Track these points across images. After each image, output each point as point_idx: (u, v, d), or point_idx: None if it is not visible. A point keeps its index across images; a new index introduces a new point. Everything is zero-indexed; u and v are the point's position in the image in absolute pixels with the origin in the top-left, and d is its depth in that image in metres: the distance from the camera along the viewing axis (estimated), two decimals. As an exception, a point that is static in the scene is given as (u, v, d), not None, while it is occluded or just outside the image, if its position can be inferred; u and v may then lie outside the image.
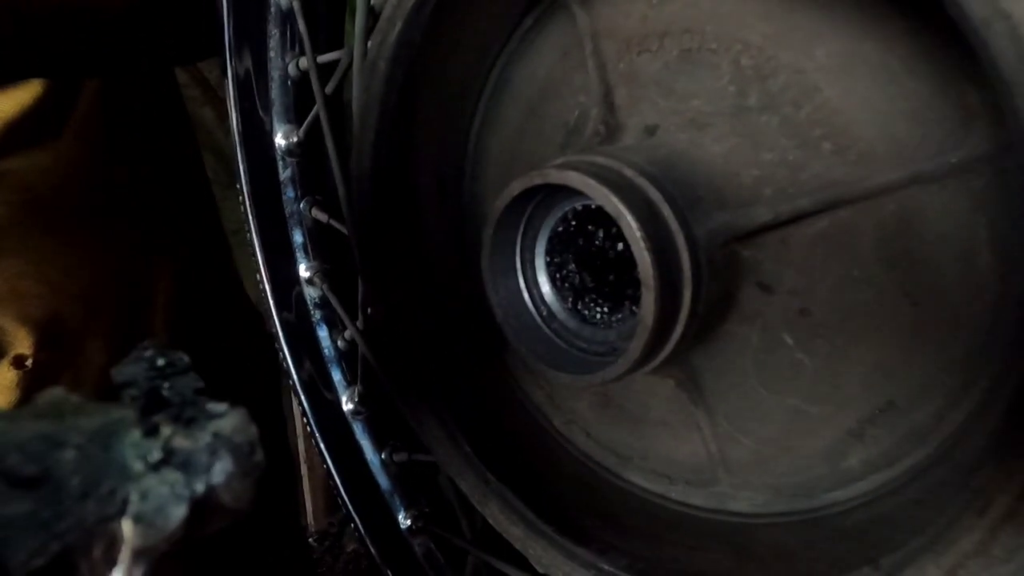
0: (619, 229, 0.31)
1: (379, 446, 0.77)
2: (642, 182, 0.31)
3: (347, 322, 0.69)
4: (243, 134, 0.72)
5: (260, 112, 0.73)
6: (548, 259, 0.39)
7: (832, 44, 0.30)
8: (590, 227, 0.39)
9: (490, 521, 0.45)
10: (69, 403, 0.17)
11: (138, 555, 0.16)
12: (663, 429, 0.44)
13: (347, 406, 0.78)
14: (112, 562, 0.16)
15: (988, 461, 0.25)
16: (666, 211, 0.30)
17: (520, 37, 0.44)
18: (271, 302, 0.77)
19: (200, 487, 0.17)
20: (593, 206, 0.36)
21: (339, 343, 0.76)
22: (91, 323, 0.73)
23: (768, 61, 0.32)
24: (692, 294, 0.31)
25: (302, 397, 0.78)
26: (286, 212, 0.77)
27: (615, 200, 0.29)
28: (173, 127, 0.89)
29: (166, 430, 0.18)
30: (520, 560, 0.49)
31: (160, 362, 0.20)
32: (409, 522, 0.77)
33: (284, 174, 0.76)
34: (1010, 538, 0.23)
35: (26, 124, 0.72)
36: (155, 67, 0.83)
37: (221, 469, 0.17)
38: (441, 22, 0.39)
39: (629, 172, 0.31)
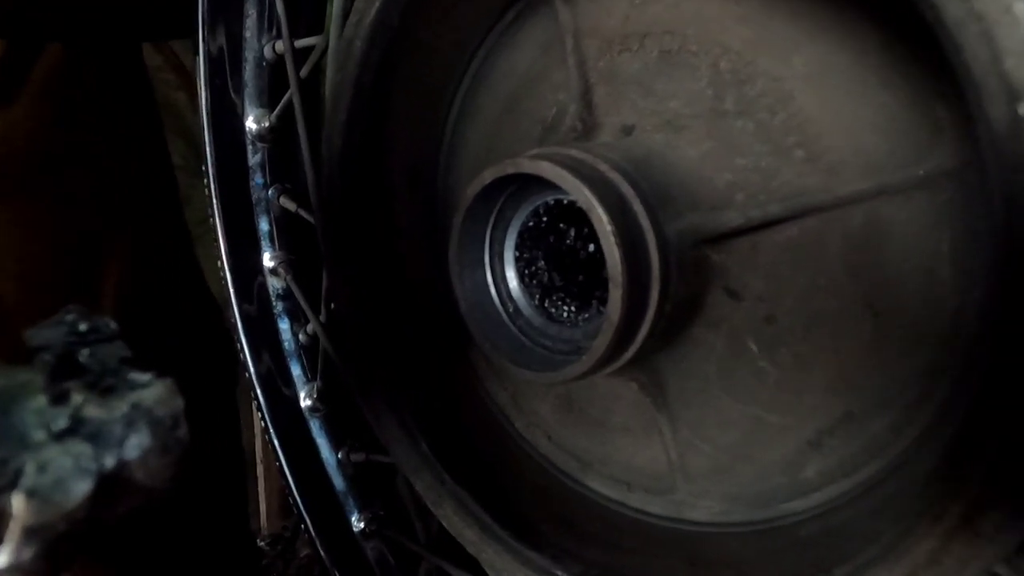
0: (591, 228, 0.30)
1: (336, 445, 0.75)
2: (615, 177, 0.30)
3: (310, 315, 0.67)
4: (212, 114, 0.70)
5: (232, 93, 0.71)
6: (517, 254, 0.38)
7: (809, 53, 0.31)
8: (561, 224, 0.38)
9: (444, 523, 0.43)
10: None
11: (30, 533, 0.14)
12: (624, 434, 0.44)
13: (305, 402, 0.75)
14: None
15: (943, 471, 0.25)
16: (638, 207, 0.30)
17: (501, 30, 0.43)
18: (231, 291, 0.74)
19: (110, 461, 0.15)
20: (565, 201, 0.35)
21: (300, 337, 0.74)
22: (29, 303, 0.69)
23: (746, 66, 0.32)
24: (660, 293, 0.31)
25: (258, 391, 0.75)
26: (253, 199, 0.75)
27: (587, 193, 0.29)
28: (137, 107, 0.86)
29: (77, 398, 0.16)
30: (474, 567, 0.48)
31: (82, 327, 0.18)
32: (362, 524, 0.75)
33: (253, 159, 0.73)
34: (963, 548, 0.23)
35: None
36: (121, 39, 0.80)
37: (137, 443, 0.15)
38: (421, 7, 0.38)
39: (603, 166, 0.30)
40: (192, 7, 0.65)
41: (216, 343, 0.85)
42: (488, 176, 0.33)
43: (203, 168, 0.72)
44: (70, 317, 0.19)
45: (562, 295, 0.39)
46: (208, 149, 0.71)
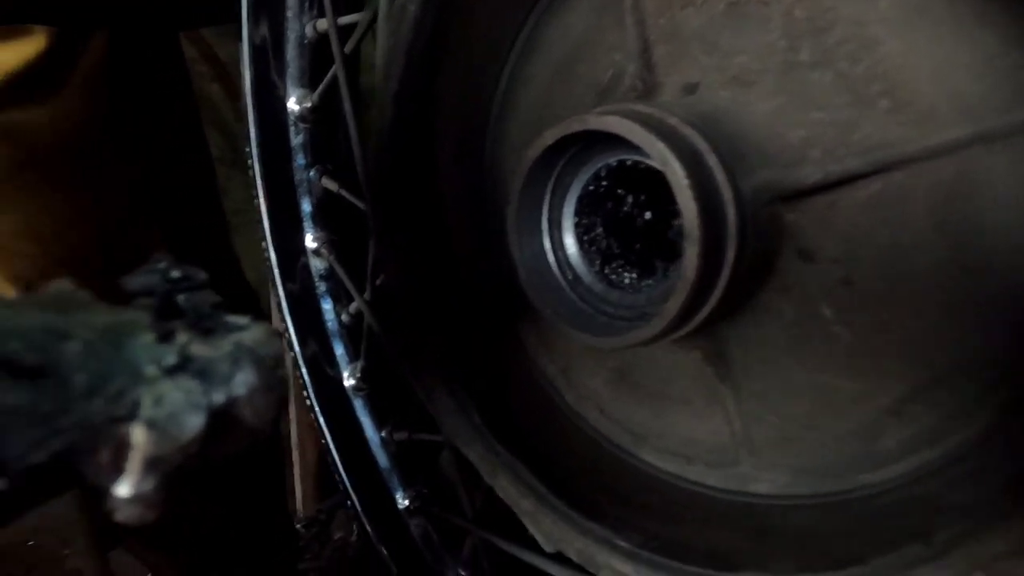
0: (653, 193, 0.29)
1: (380, 424, 0.75)
2: (688, 131, 0.29)
3: (354, 293, 0.67)
4: (255, 97, 0.70)
5: (274, 76, 0.71)
6: (576, 220, 0.37)
7: (896, -6, 0.29)
8: (620, 190, 0.37)
9: (500, 494, 0.43)
10: (76, 298, 0.15)
11: (149, 464, 0.14)
12: (683, 407, 0.43)
13: (349, 382, 0.76)
14: (120, 469, 0.14)
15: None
16: (713, 161, 0.29)
17: (554, -6, 0.42)
18: (276, 271, 0.75)
19: (219, 397, 0.15)
20: (629, 162, 0.34)
21: (343, 317, 0.74)
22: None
23: (825, 13, 0.31)
24: (736, 251, 0.29)
25: (303, 371, 0.76)
26: (295, 180, 0.75)
27: (661, 147, 0.28)
28: (176, 97, 0.88)
29: (182, 337, 0.16)
30: (521, 540, 0.48)
31: (175, 274, 0.18)
32: (407, 502, 0.76)
33: (295, 140, 0.74)
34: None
35: (28, 77, 0.70)
36: (163, 26, 0.81)
37: (243, 380, 0.15)
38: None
39: (673, 120, 0.29)
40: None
41: None
42: (550, 136, 0.32)
43: (246, 151, 0.73)
44: (162, 265, 0.19)
45: (622, 261, 0.38)
46: (252, 131, 0.72)
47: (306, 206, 0.75)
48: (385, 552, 0.74)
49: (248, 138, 0.72)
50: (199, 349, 0.15)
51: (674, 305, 0.29)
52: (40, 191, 0.72)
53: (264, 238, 0.73)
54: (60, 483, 0.13)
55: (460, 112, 0.46)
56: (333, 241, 0.74)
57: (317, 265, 0.76)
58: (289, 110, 0.72)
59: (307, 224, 0.76)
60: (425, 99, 0.44)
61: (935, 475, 0.30)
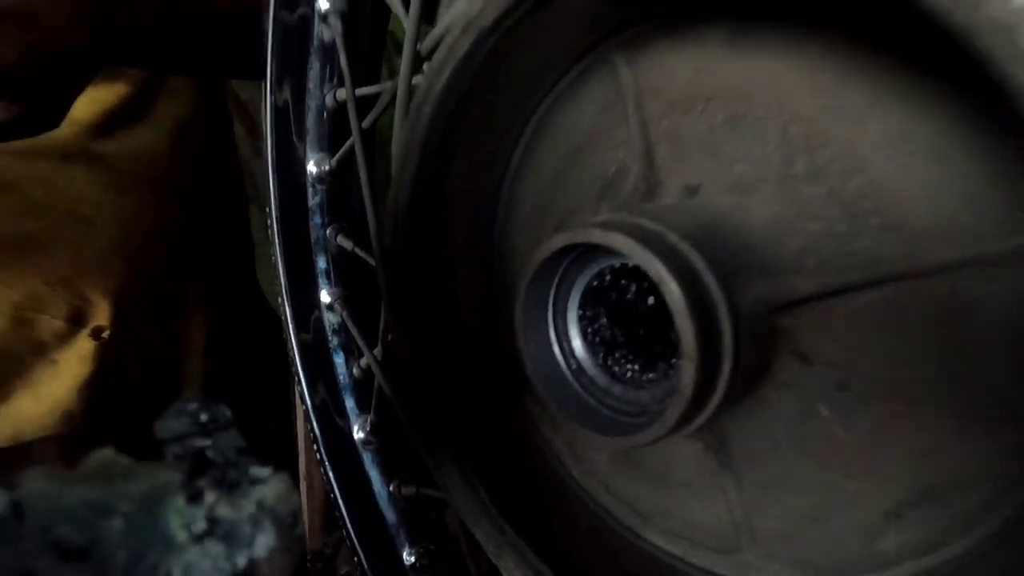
0: (651, 284, 0.31)
1: (388, 478, 0.76)
2: (686, 248, 0.31)
3: (365, 350, 0.69)
4: (276, 160, 0.74)
5: (295, 139, 0.74)
6: (580, 312, 0.39)
7: (886, 120, 0.30)
8: (623, 281, 0.39)
9: (504, 574, 0.43)
10: (118, 466, 0.17)
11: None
12: (686, 490, 0.43)
13: (358, 435, 0.77)
14: None
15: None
16: (709, 279, 0.30)
17: (563, 88, 0.44)
18: (291, 323, 0.77)
19: (242, 561, 0.16)
20: (630, 264, 0.35)
21: (354, 371, 0.76)
22: (150, 304, 0.80)
23: (817, 132, 0.32)
24: (732, 364, 0.31)
25: (313, 422, 0.77)
26: (312, 237, 0.78)
27: (659, 267, 0.29)
28: (223, 135, 0.97)
29: (210, 497, 0.17)
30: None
31: (203, 418, 0.20)
32: (413, 559, 0.76)
33: (313, 200, 0.77)
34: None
35: (120, 112, 0.80)
36: (216, 74, 0.91)
37: (264, 543, 0.17)
38: (488, 70, 0.40)
39: (673, 237, 0.31)
40: (261, 58, 0.69)
41: (272, 349, 0.93)
42: (558, 243, 0.34)
43: (267, 210, 0.76)
44: (192, 407, 0.20)
45: (625, 352, 0.39)
46: (272, 192, 0.75)
47: (321, 263, 0.78)
48: (390, 609, 0.74)
49: (269, 196, 0.75)
50: (224, 510, 0.17)
51: (672, 415, 0.30)
52: (129, 212, 0.82)
53: (280, 292, 0.76)
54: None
55: (472, 195, 0.48)
56: (347, 297, 0.76)
57: (331, 319, 0.78)
58: (308, 172, 0.75)
59: (322, 280, 0.78)
60: (439, 184, 0.46)
61: (934, 584, 0.30)
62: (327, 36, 0.69)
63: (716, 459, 0.40)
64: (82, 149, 0.79)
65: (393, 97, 0.53)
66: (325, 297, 0.77)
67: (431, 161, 0.43)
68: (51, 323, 0.76)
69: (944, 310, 0.30)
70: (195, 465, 0.18)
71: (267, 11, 0.65)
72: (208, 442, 0.19)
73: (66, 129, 0.72)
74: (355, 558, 0.76)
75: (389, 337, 0.64)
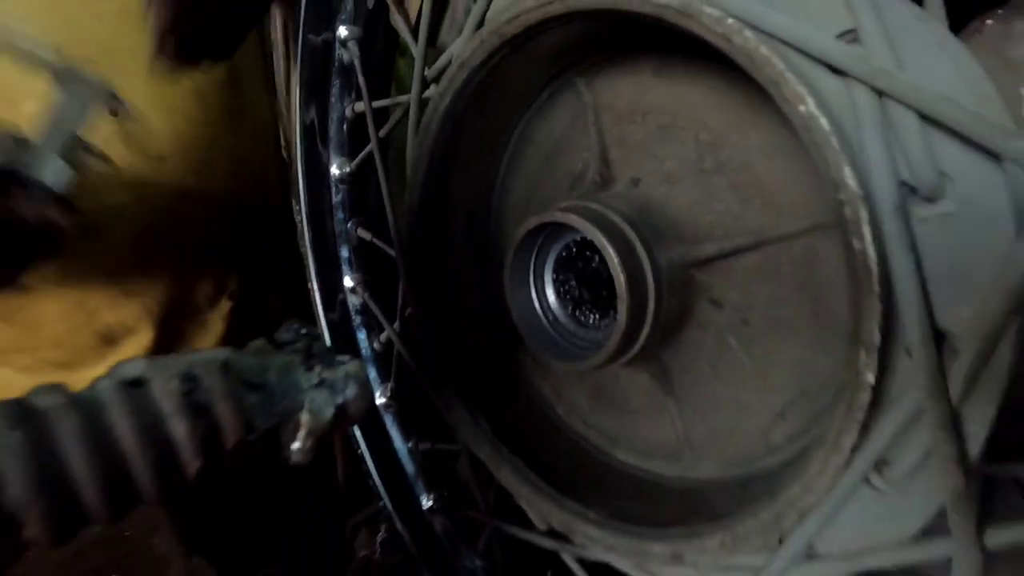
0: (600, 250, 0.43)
1: (406, 436, 0.90)
2: (621, 223, 0.43)
3: (385, 324, 0.82)
4: (305, 165, 0.87)
5: (320, 147, 0.88)
6: (555, 276, 0.52)
7: (762, 131, 0.43)
8: (587, 252, 0.52)
9: (503, 483, 0.56)
10: (265, 348, 0.30)
11: (308, 433, 0.28)
12: (642, 417, 0.56)
13: (380, 400, 0.90)
14: (295, 435, 0.28)
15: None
16: (637, 246, 0.43)
17: (539, 106, 0.57)
18: (319, 305, 0.90)
19: (340, 400, 0.29)
20: (588, 238, 0.48)
21: (375, 345, 0.89)
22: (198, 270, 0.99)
23: (719, 137, 0.45)
24: (655, 304, 0.43)
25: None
26: (336, 231, 0.92)
27: (601, 236, 0.42)
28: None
29: (317, 367, 0.30)
30: (524, 527, 0.61)
31: (303, 331, 0.33)
32: (431, 503, 0.89)
33: (336, 199, 0.90)
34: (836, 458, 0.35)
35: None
36: None
37: (351, 392, 0.30)
38: (480, 96, 0.52)
39: (614, 216, 0.44)
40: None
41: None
42: (533, 222, 0.47)
43: (296, 207, 0.90)
44: (295, 325, 0.33)
45: (589, 306, 0.52)
46: (302, 192, 0.88)
47: (344, 252, 0.92)
48: (413, 546, 0.88)
49: (299, 195, 0.88)
50: (327, 374, 0.30)
51: (613, 341, 0.43)
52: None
53: (309, 277, 0.89)
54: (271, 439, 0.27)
55: (470, 191, 0.61)
56: (367, 281, 0.90)
57: (353, 301, 0.91)
58: (331, 174, 0.88)
59: (345, 267, 0.91)
60: (444, 183, 0.59)
61: (803, 455, 0.43)
62: (346, 58, 0.82)
63: (661, 388, 0.53)
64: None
65: (406, 112, 0.66)
66: (348, 282, 0.91)
67: (437, 166, 0.56)
68: (205, 290, 0.93)
69: (803, 263, 0.42)
70: (307, 352, 0.31)
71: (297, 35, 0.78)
72: (311, 341, 0.32)
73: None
74: (381, 503, 0.89)
75: (406, 312, 0.77)
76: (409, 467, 0.91)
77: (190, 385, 0.25)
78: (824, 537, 0.37)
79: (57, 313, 0.90)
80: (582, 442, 0.61)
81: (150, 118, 0.89)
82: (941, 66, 0.29)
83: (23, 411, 0.21)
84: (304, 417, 0.28)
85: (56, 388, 0.23)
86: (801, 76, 0.30)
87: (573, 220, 0.44)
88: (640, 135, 0.50)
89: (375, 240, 0.86)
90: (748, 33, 0.31)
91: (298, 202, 0.89)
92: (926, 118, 0.28)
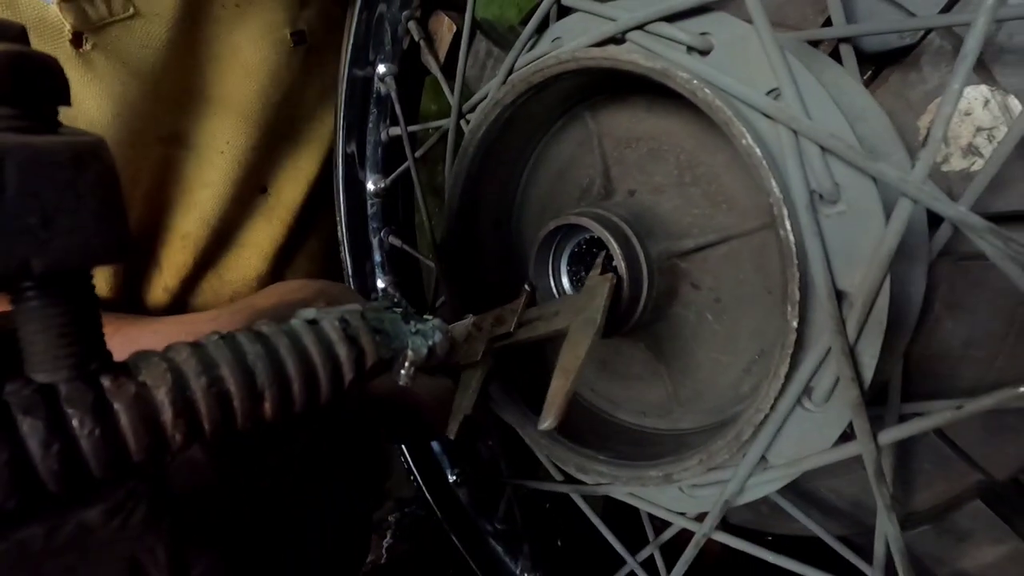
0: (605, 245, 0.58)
1: (433, 418, 1.03)
2: (622, 224, 0.58)
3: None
4: (344, 183, 1.02)
5: (358, 167, 1.03)
6: (569, 268, 0.66)
7: (725, 153, 0.58)
8: (594, 249, 0.66)
9: (528, 440, 0.70)
10: (379, 306, 0.44)
11: (411, 364, 0.42)
12: (640, 382, 0.70)
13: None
14: (401, 367, 0.42)
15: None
16: (634, 240, 0.57)
17: (553, 132, 0.72)
18: (356, 305, 1.04)
19: (431, 341, 0.43)
20: (595, 236, 0.63)
21: (407, 337, 1.02)
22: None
23: (694, 158, 0.60)
24: (648, 286, 0.58)
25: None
26: (370, 239, 1.06)
27: (606, 234, 0.57)
28: None
29: (412, 322, 0.44)
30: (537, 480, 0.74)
31: (396, 298, 0.47)
32: (455, 477, 1.03)
33: (371, 211, 1.05)
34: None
35: None
36: None
37: (438, 337, 0.44)
38: (508, 126, 0.67)
39: (615, 218, 0.58)
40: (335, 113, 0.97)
41: None
42: (552, 225, 0.61)
43: (337, 218, 1.04)
44: (391, 294, 0.47)
45: (596, 292, 0.66)
46: (342, 206, 1.03)
47: (377, 257, 1.06)
48: (440, 516, 1.01)
49: (338, 210, 1.03)
50: (420, 326, 0.44)
51: (617, 314, 0.57)
52: None
53: (346, 279, 1.03)
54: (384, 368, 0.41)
55: (496, 201, 0.75)
56: (397, 283, 1.04)
57: (386, 300, 1.05)
58: (367, 189, 1.03)
59: (378, 270, 1.06)
60: (475, 197, 0.73)
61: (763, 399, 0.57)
62: (383, 90, 0.97)
63: (654, 356, 0.67)
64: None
65: (440, 136, 0.81)
66: (380, 283, 1.05)
67: (473, 182, 0.71)
68: None
69: (758, 252, 0.57)
70: (405, 310, 0.45)
71: (343, 68, 0.93)
72: (404, 304, 0.47)
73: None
74: (411, 478, 1.02)
75: (438, 304, 0.91)
76: (435, 445, 1.04)
77: (344, 325, 0.39)
78: (774, 450, 0.51)
79: None
80: (591, 407, 0.75)
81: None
82: (835, 114, 0.43)
83: (255, 334, 0.36)
84: (408, 354, 0.42)
85: (270, 322, 0.37)
86: (743, 119, 0.45)
87: (584, 221, 0.58)
88: (634, 156, 0.65)
89: (405, 246, 1.01)
90: (707, 90, 0.46)
91: (338, 214, 1.03)
92: (824, 148, 0.42)
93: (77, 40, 0.69)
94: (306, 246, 1.09)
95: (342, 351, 0.38)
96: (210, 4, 0.84)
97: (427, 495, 1.00)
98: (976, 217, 0.39)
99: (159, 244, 0.96)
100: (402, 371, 0.43)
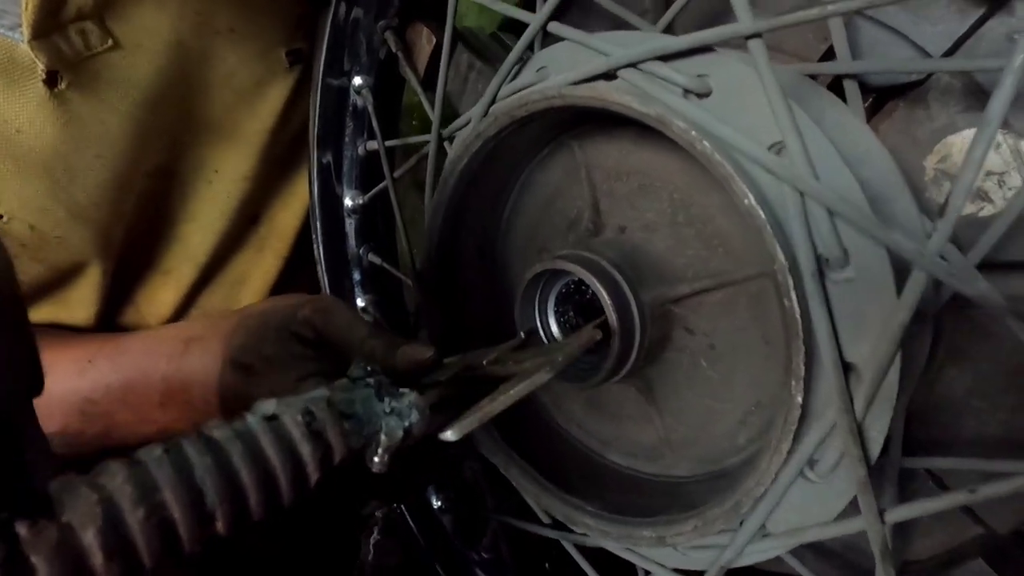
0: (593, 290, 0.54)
1: (416, 442, 1.00)
2: (611, 268, 0.54)
3: (400, 344, 0.91)
4: (320, 198, 0.97)
5: (334, 182, 0.98)
6: (557, 309, 0.62)
7: (720, 194, 0.54)
8: (583, 288, 0.63)
9: (513, 482, 0.67)
10: (348, 384, 0.40)
11: (385, 450, 0.38)
12: (630, 422, 0.67)
13: (391, 410, 1.00)
14: (374, 454, 0.38)
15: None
16: (625, 287, 0.54)
17: (539, 160, 0.68)
18: (334, 326, 0.99)
19: (406, 423, 0.40)
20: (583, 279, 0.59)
21: (387, 360, 0.99)
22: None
23: (687, 197, 0.56)
24: (640, 335, 0.54)
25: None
26: (348, 256, 1.02)
27: (595, 281, 0.53)
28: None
29: (387, 398, 0.40)
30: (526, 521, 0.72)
31: (370, 369, 0.43)
32: (440, 503, 1.00)
33: (348, 227, 1.00)
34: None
35: None
36: None
37: (414, 418, 0.40)
38: (492, 156, 0.63)
39: (604, 263, 0.55)
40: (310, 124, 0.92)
41: None
42: (538, 268, 0.58)
43: (314, 236, 1.00)
44: (364, 364, 0.43)
45: (585, 333, 0.63)
46: (318, 222, 0.98)
47: (356, 275, 1.02)
48: (422, 542, 0.98)
49: (314, 228, 0.98)
50: (395, 403, 0.40)
51: (607, 365, 0.54)
52: None
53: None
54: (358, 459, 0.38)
55: (480, 230, 0.71)
56: (377, 301, 1.00)
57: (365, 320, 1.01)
58: (344, 205, 0.98)
59: (357, 289, 1.01)
60: (457, 224, 0.69)
61: (761, 453, 0.54)
62: (360, 103, 0.92)
63: (646, 399, 0.64)
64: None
65: (420, 157, 0.76)
66: (360, 302, 1.01)
67: (453, 213, 0.66)
68: None
69: (755, 301, 0.54)
70: (378, 386, 0.41)
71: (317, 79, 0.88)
72: (379, 377, 0.43)
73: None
74: (395, 506, 0.99)
75: (418, 333, 0.87)
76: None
77: (309, 419, 0.35)
78: (773, 519, 0.48)
79: None
80: (579, 446, 0.72)
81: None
82: (843, 171, 0.40)
83: (206, 441, 0.32)
84: (382, 438, 0.39)
85: (222, 424, 0.33)
86: (744, 175, 0.41)
87: (571, 267, 0.55)
88: (625, 190, 0.61)
89: (384, 264, 0.96)
90: (706, 142, 0.42)
91: (314, 232, 0.98)
92: (832, 212, 0.39)
93: (52, 79, 0.62)
94: (301, 277, 1.04)
95: (305, 450, 0.34)
96: (201, 31, 0.77)
97: (410, 522, 0.97)
98: (997, 295, 0.36)
99: (138, 282, 0.91)
100: (375, 458, 0.39)
